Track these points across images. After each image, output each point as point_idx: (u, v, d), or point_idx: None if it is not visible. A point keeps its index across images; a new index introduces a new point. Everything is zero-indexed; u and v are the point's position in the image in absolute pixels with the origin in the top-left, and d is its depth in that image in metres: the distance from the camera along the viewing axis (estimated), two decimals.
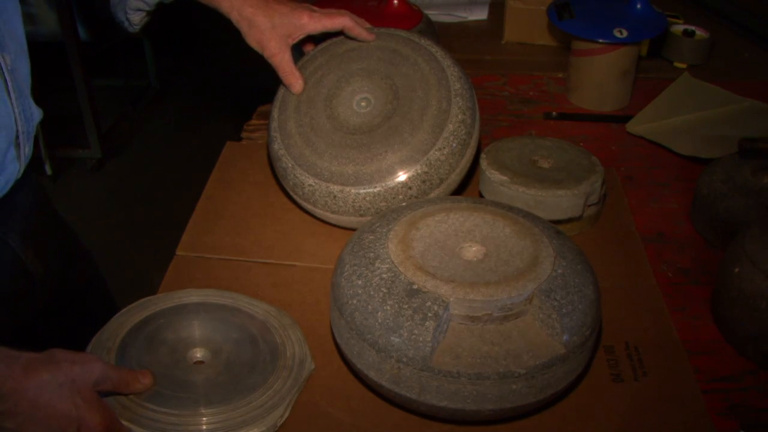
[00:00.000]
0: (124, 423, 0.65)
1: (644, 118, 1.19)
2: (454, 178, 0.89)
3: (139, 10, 0.95)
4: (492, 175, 0.90)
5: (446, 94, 0.88)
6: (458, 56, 0.97)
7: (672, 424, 0.69)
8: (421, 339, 0.63)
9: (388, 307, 0.64)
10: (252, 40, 0.90)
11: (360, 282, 0.67)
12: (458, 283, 0.65)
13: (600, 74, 1.21)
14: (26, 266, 0.84)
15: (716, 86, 1.28)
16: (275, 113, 0.92)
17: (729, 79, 1.31)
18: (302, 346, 0.75)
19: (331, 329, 0.74)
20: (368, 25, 0.95)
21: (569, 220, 0.90)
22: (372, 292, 0.66)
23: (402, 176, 0.85)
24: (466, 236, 0.72)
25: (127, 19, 0.97)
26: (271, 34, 0.89)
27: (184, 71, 3.48)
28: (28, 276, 0.85)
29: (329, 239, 0.92)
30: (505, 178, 0.89)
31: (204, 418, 0.66)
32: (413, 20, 1.20)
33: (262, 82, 1.05)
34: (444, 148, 0.86)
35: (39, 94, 0.83)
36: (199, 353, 0.73)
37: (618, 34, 1.16)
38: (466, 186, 1.00)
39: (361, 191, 0.85)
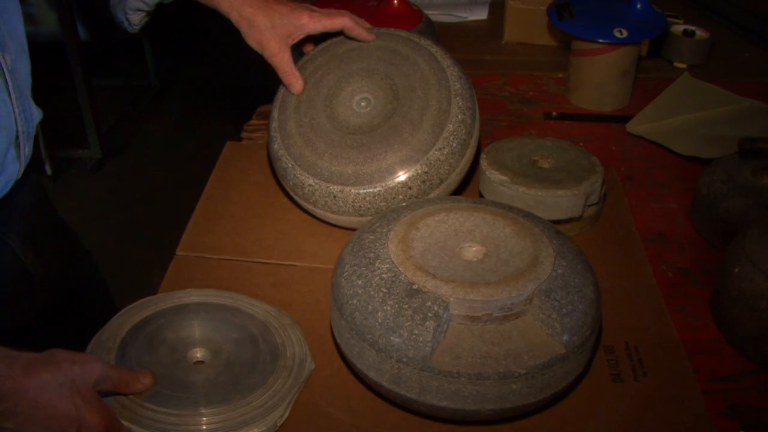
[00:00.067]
0: (124, 423, 0.65)
1: (644, 118, 1.19)
2: (454, 178, 0.89)
3: (139, 10, 0.95)
4: (492, 175, 0.90)
5: (446, 94, 0.88)
6: (458, 56, 0.97)
7: (672, 424, 0.69)
8: (421, 339, 0.63)
9: (388, 307, 0.64)
10: (252, 40, 0.90)
11: (360, 282, 0.67)
12: (458, 283, 0.65)
13: (600, 74, 1.21)
14: (26, 266, 0.84)
15: (716, 86, 1.28)
16: (275, 113, 0.92)
17: (729, 79, 1.31)
18: (302, 346, 0.75)
19: (331, 329, 0.74)
20: (368, 25, 0.95)
21: (569, 220, 0.90)
22: (372, 292, 0.66)
23: (402, 176, 0.85)
24: (466, 236, 0.72)
25: (127, 20, 0.97)
26: (270, 34, 0.89)
27: (184, 71, 3.48)
28: (27, 276, 0.85)
29: (329, 239, 0.92)
30: (505, 178, 0.89)
31: (204, 418, 0.66)
32: (413, 20, 1.20)
33: (262, 82, 1.05)
34: (444, 148, 0.86)
35: (39, 94, 0.83)
36: (199, 353, 0.73)
37: (618, 34, 1.16)
38: (466, 186, 1.00)
39: (361, 191, 0.85)
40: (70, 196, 2.60)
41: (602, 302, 0.71)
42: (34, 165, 0.85)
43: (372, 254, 0.69)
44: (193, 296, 0.79)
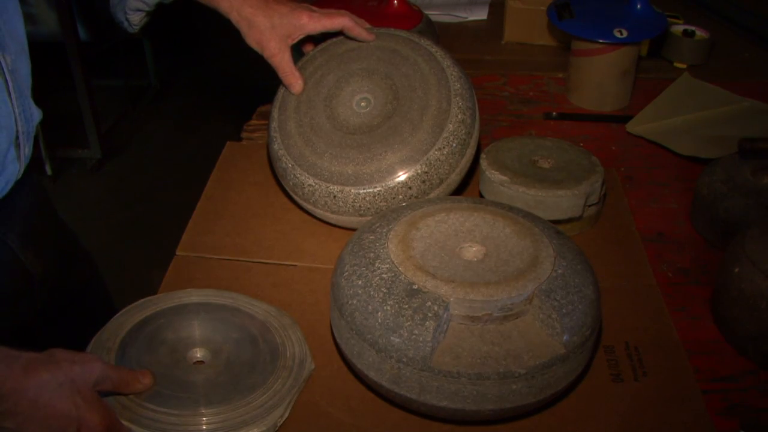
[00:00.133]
0: (124, 423, 0.65)
1: (644, 118, 1.19)
2: (454, 178, 0.89)
3: (139, 10, 0.95)
4: (492, 175, 0.90)
5: (446, 94, 0.88)
6: (458, 56, 0.97)
7: (672, 424, 0.69)
8: (421, 339, 0.63)
9: (388, 307, 0.64)
10: (251, 40, 0.90)
11: (360, 282, 0.67)
12: (458, 283, 0.65)
13: (600, 74, 1.21)
14: (26, 266, 0.84)
15: (716, 86, 1.28)
16: (275, 113, 0.92)
17: (729, 79, 1.31)
18: (302, 346, 0.75)
19: (331, 329, 0.74)
20: (368, 25, 0.95)
21: (569, 220, 0.90)
22: (372, 292, 0.66)
23: (402, 176, 0.85)
24: (466, 236, 0.72)
25: (127, 20, 0.97)
26: (270, 35, 0.89)
27: (184, 71, 3.48)
28: (27, 276, 0.85)
29: (329, 239, 0.92)
30: (505, 178, 0.89)
31: (204, 418, 0.66)
32: (413, 20, 1.20)
33: (262, 82, 1.05)
34: (444, 147, 0.86)
35: (39, 94, 0.83)
36: (199, 353, 0.73)
37: (618, 34, 1.16)
38: (466, 186, 1.00)
39: (361, 191, 0.85)
40: (70, 196, 2.60)
41: (602, 302, 0.71)
42: (34, 165, 0.85)
43: (372, 254, 0.69)
44: (193, 296, 0.79)
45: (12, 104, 0.76)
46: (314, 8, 0.92)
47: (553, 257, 0.69)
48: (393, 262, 0.68)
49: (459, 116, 0.87)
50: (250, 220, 0.96)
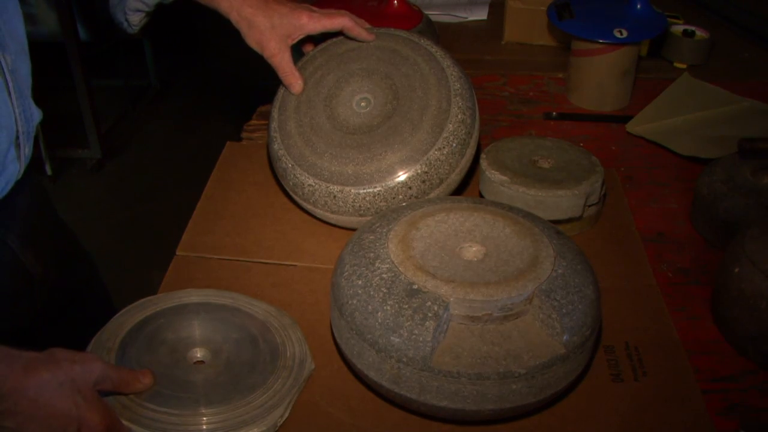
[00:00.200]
0: (125, 423, 0.65)
1: (644, 118, 1.19)
2: (454, 178, 0.89)
3: (139, 10, 0.95)
4: (492, 175, 0.90)
5: (446, 94, 0.88)
6: (458, 56, 0.97)
7: (672, 424, 0.69)
8: (421, 339, 0.63)
9: (388, 307, 0.64)
10: (251, 40, 0.90)
11: (360, 282, 0.67)
12: (458, 283, 0.65)
13: (600, 74, 1.21)
14: (25, 267, 0.84)
15: (716, 86, 1.28)
16: (275, 113, 0.92)
17: (729, 79, 1.31)
18: (302, 346, 0.75)
19: (331, 329, 0.74)
20: (368, 25, 0.95)
21: (569, 220, 0.90)
22: (372, 292, 0.66)
23: (402, 176, 0.85)
24: (466, 236, 0.72)
25: (126, 20, 0.97)
26: (270, 35, 0.89)
27: (184, 71, 3.48)
28: (27, 276, 0.85)
29: (329, 239, 0.92)
30: (505, 178, 0.89)
31: (204, 418, 0.66)
32: (413, 20, 1.20)
33: (262, 82, 1.05)
34: (444, 147, 0.86)
35: (39, 94, 0.83)
36: (199, 353, 0.73)
37: (618, 34, 1.16)
38: (466, 186, 1.00)
39: (361, 191, 0.85)
40: (70, 197, 2.60)
41: (602, 302, 0.71)
42: (34, 165, 0.85)
43: (372, 254, 0.69)
44: (193, 296, 0.79)
45: (12, 104, 0.76)
46: (314, 8, 0.92)
47: (553, 257, 0.69)
48: (393, 262, 0.68)
49: (459, 116, 0.87)
50: (250, 220, 0.96)
